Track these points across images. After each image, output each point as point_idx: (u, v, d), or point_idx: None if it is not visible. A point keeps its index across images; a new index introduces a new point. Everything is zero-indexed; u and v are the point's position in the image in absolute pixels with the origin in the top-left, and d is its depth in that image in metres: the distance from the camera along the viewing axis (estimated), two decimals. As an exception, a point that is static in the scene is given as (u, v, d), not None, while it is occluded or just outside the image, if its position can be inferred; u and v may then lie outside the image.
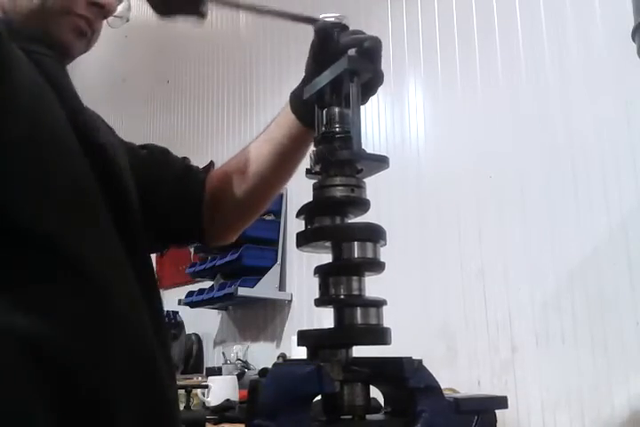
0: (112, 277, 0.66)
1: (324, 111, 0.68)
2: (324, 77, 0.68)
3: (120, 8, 0.82)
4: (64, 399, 0.58)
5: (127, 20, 0.85)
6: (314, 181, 0.66)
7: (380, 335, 0.60)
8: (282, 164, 0.88)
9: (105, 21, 0.82)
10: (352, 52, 0.67)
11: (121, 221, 0.70)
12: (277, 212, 2.68)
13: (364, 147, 0.65)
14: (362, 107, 0.67)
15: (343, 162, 0.64)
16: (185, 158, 0.97)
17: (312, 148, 0.68)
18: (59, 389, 0.58)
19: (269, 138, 0.88)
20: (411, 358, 0.57)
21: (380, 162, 0.65)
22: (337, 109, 0.67)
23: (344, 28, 0.72)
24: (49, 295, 0.61)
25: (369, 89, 0.70)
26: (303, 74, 0.80)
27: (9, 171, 0.61)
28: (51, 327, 0.59)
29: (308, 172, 0.67)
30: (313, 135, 0.78)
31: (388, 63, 2.20)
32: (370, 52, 0.67)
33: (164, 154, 0.95)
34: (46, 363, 0.58)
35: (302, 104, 0.79)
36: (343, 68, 0.65)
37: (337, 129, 0.65)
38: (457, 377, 1.74)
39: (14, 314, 0.57)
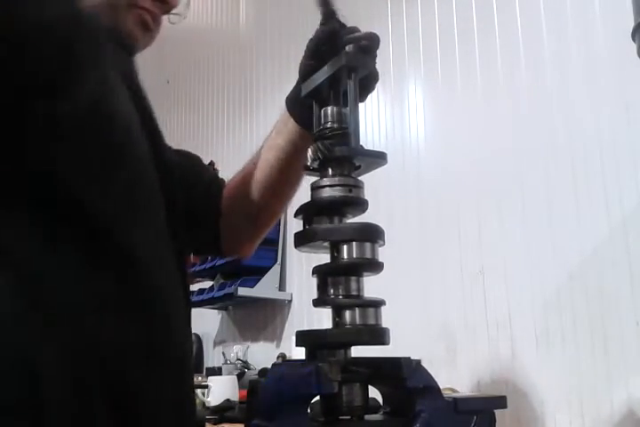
0: (166, 281, 0.68)
1: (322, 109, 0.68)
2: (322, 74, 0.68)
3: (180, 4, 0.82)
4: (121, 401, 0.60)
5: (184, 18, 0.85)
6: (312, 181, 0.66)
7: (378, 335, 0.60)
8: (288, 170, 0.87)
9: (165, 17, 0.82)
10: (349, 48, 0.67)
11: (171, 224, 0.72)
12: (277, 212, 2.68)
13: (363, 145, 0.65)
14: (361, 106, 0.67)
15: (341, 158, 0.64)
16: (214, 169, 0.97)
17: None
18: (117, 391, 0.59)
19: (272, 145, 0.88)
20: (409, 358, 0.57)
21: (377, 158, 0.65)
22: (335, 108, 0.67)
23: (342, 26, 0.72)
24: (115, 299, 0.62)
25: (366, 87, 0.70)
26: (302, 75, 0.80)
27: (101, 176, 0.62)
28: (115, 332, 0.60)
29: (306, 168, 0.67)
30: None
31: (387, 63, 2.21)
32: (367, 48, 0.68)
33: (197, 162, 0.96)
34: (107, 366, 0.59)
35: (299, 107, 0.79)
36: (341, 65, 0.65)
37: (335, 126, 0.65)
38: (457, 377, 1.74)
39: (86, 318, 0.59)
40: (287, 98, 0.84)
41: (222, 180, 0.97)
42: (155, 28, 0.80)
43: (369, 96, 0.76)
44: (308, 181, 0.66)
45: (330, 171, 0.64)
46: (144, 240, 0.65)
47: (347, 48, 0.67)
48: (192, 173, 0.92)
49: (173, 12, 0.82)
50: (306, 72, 0.75)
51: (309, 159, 0.66)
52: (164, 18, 0.82)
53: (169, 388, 0.66)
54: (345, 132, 0.65)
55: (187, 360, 0.72)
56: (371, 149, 0.65)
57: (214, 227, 0.91)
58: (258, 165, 0.89)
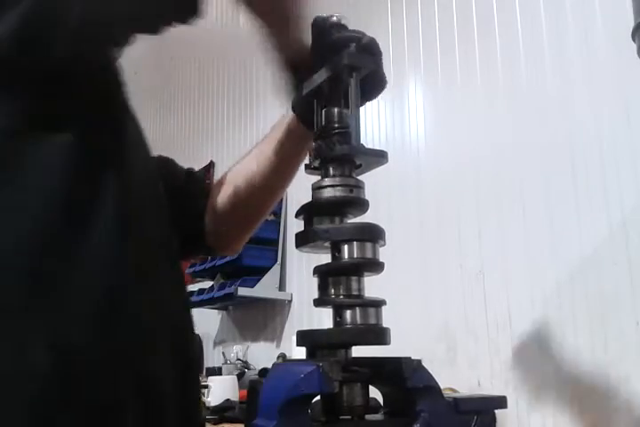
0: (161, 285, 0.69)
1: (324, 110, 0.68)
2: (323, 73, 0.68)
3: None
4: (145, 389, 0.60)
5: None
6: (313, 182, 0.66)
7: (378, 335, 0.60)
8: (282, 164, 0.88)
9: None
10: (352, 47, 0.67)
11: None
12: (277, 212, 2.68)
13: (363, 144, 0.65)
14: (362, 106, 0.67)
15: (342, 157, 0.64)
16: (189, 168, 0.97)
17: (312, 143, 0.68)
18: (140, 378, 0.60)
19: (270, 139, 0.88)
20: (410, 358, 0.57)
21: (378, 157, 0.65)
22: (336, 109, 0.67)
23: (342, 27, 0.72)
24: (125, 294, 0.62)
25: (369, 93, 0.70)
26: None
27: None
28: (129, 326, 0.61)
29: (307, 167, 0.67)
30: (311, 134, 0.78)
31: (387, 63, 2.21)
32: (369, 48, 0.67)
33: (169, 165, 0.96)
34: (128, 356, 0.60)
35: (300, 102, 0.79)
36: (342, 64, 0.65)
37: (336, 124, 0.65)
38: (457, 377, 1.74)
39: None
40: (291, 100, 0.84)
41: (200, 176, 0.96)
42: None
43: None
44: (309, 180, 0.66)
45: (331, 170, 0.64)
46: (142, 244, 0.66)
47: (349, 47, 0.67)
48: (167, 176, 0.92)
49: None
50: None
51: (311, 158, 0.66)
52: None
53: (176, 389, 0.66)
54: (346, 131, 0.65)
55: (194, 361, 0.73)
56: (372, 147, 0.65)
57: (198, 225, 0.91)
58: (253, 159, 0.89)
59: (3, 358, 0.53)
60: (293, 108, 0.82)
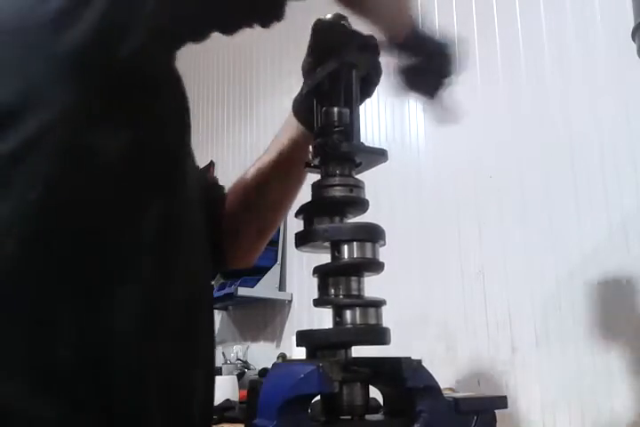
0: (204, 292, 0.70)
1: (323, 109, 0.68)
2: (323, 71, 0.68)
3: None
4: (111, 413, 0.60)
5: None
6: (313, 181, 0.66)
7: (379, 335, 0.60)
8: (290, 171, 0.86)
9: None
10: (351, 45, 0.67)
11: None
12: (277, 212, 2.68)
13: (363, 142, 0.65)
14: (361, 105, 0.67)
15: (342, 155, 0.64)
16: (214, 177, 0.96)
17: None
18: (108, 403, 0.59)
19: (277, 147, 0.87)
20: (410, 358, 0.57)
21: (378, 155, 0.65)
22: (336, 108, 0.66)
23: (343, 27, 0.72)
24: (110, 310, 0.61)
25: (364, 91, 0.70)
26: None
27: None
28: (111, 344, 0.60)
29: (307, 165, 0.67)
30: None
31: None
32: (369, 46, 0.68)
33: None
34: (102, 378, 0.59)
35: (302, 108, 0.79)
36: (342, 62, 0.65)
37: (336, 123, 0.65)
38: (457, 377, 1.74)
39: (84, 330, 0.59)
40: (294, 101, 0.84)
41: (222, 186, 0.95)
42: None
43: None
44: (309, 180, 0.66)
45: (331, 169, 0.64)
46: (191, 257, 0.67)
47: (348, 45, 0.67)
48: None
49: None
50: (305, 69, 0.75)
51: (311, 156, 0.66)
52: None
53: (203, 388, 0.67)
54: (346, 130, 0.64)
55: (214, 365, 0.74)
56: (372, 145, 0.65)
57: (216, 237, 0.90)
58: (262, 167, 0.88)
59: None
60: (297, 116, 0.81)
